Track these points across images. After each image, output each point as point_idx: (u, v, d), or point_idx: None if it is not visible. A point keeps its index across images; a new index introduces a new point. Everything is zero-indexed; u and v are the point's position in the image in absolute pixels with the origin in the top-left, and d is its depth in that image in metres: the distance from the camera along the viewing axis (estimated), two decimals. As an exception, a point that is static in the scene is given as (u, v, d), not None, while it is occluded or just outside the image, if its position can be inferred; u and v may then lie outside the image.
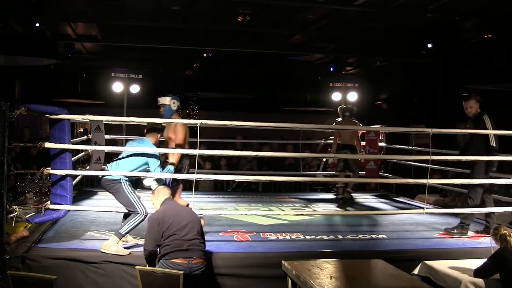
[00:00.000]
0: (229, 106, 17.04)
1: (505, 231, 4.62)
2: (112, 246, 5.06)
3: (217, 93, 16.17)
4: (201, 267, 4.56)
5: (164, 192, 4.91)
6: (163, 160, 5.78)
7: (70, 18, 10.38)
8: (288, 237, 6.00)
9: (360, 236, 6.16)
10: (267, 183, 10.13)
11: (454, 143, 8.50)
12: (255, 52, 13.36)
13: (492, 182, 6.39)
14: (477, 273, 4.62)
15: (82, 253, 5.11)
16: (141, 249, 4.81)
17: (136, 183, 5.98)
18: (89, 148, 6.01)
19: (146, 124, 5.82)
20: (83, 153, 8.00)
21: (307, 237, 6.03)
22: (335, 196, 9.04)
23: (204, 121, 5.83)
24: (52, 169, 5.29)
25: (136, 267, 4.35)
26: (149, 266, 4.57)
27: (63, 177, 5.27)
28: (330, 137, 9.45)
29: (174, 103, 5.96)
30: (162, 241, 4.54)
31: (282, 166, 11.05)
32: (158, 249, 4.59)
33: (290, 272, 4.58)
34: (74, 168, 5.52)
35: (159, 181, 5.50)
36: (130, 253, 5.08)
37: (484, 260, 4.69)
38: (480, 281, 4.57)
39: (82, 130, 13.31)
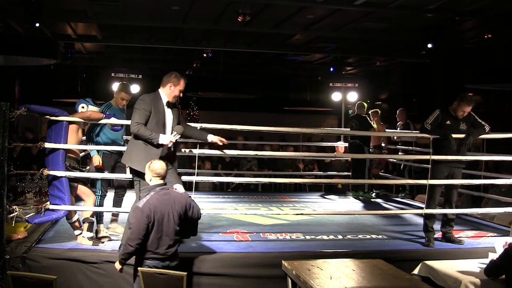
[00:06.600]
0: (229, 106, 17.05)
1: None
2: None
3: (217, 93, 16.17)
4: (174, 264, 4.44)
5: (160, 171, 4.45)
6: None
7: (70, 18, 10.37)
8: (288, 237, 6.00)
9: (360, 236, 6.17)
10: (267, 183, 10.13)
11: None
12: (255, 52, 13.36)
13: (492, 182, 6.38)
14: (488, 272, 4.56)
15: (82, 253, 5.11)
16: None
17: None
18: (89, 148, 6.00)
19: None
20: (83, 153, 7.98)
21: (307, 237, 6.04)
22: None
23: (204, 125, 5.77)
24: (46, 169, 5.29)
25: (139, 268, 4.30)
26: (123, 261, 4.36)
27: (59, 178, 5.25)
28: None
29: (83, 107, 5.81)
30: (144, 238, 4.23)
31: (282, 167, 11.04)
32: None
33: (290, 272, 4.58)
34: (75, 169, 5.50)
35: None
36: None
37: (484, 260, 4.67)
38: (480, 281, 4.56)
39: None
